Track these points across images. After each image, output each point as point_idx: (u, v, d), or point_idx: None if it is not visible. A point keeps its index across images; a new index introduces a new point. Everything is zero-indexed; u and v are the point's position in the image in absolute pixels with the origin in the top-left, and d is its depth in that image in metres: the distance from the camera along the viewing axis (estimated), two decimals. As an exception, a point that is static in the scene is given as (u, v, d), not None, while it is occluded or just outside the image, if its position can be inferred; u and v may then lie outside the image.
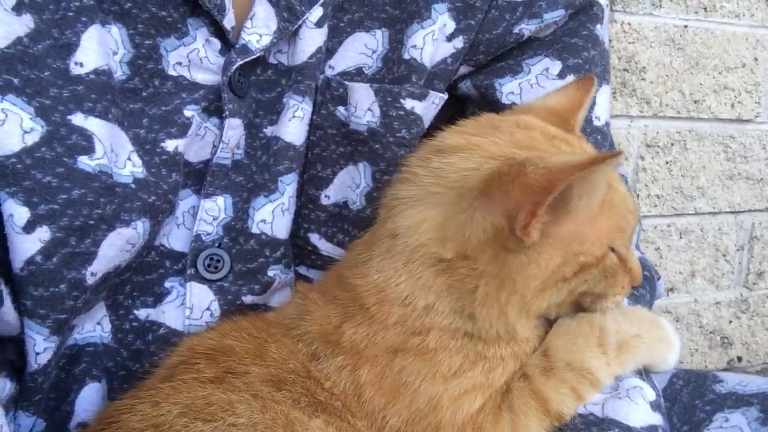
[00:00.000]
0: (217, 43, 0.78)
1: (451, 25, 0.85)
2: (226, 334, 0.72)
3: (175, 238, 0.80)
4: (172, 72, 0.76)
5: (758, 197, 1.86)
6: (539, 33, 0.90)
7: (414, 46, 0.83)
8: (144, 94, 0.75)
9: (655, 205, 1.73)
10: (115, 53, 0.72)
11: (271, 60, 0.82)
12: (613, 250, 0.69)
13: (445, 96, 0.88)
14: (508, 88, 0.90)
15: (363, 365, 0.66)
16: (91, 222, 0.66)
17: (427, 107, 0.86)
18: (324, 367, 0.67)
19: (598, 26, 0.91)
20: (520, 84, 0.90)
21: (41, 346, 0.66)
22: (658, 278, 0.97)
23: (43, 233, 0.64)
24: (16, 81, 0.64)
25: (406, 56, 0.83)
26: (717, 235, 1.84)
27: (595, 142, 0.91)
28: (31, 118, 0.64)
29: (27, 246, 0.64)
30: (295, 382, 0.65)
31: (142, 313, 0.79)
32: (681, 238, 1.79)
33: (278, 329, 0.72)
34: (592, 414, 0.69)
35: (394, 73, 0.84)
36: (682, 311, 1.86)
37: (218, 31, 0.77)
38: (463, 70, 0.91)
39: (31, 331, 0.66)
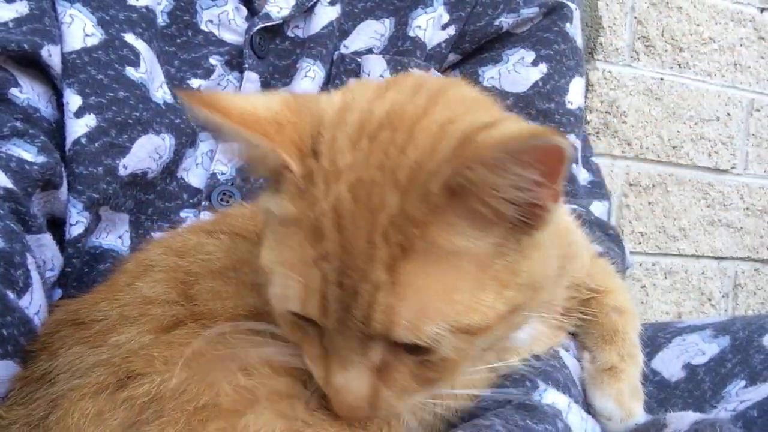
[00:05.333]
0: (244, 11, 0.93)
1: (446, 17, 1.01)
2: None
3: (194, 175, 0.91)
4: (203, 27, 0.91)
5: (739, 246, 1.96)
6: (517, 29, 1.05)
7: (418, 27, 0.98)
8: (178, 40, 0.89)
9: (639, 242, 1.83)
10: (159, 3, 0.87)
11: (289, 33, 0.97)
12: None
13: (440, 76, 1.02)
14: (489, 74, 1.04)
15: None
16: (130, 121, 0.78)
17: None
18: None
19: (568, 24, 1.06)
20: (499, 70, 1.04)
21: (74, 219, 0.76)
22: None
23: (90, 120, 0.76)
24: None
25: (411, 34, 0.98)
26: (701, 279, 1.92)
27: (567, 123, 1.04)
28: (93, 26, 0.78)
29: (76, 129, 0.76)
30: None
31: (157, 236, 0.89)
32: (666, 278, 1.88)
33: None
34: None
35: (399, 47, 0.98)
36: (670, 353, 1.90)
37: (246, 2, 0.93)
38: (452, 57, 1.05)
39: (69, 204, 0.76)
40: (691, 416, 0.63)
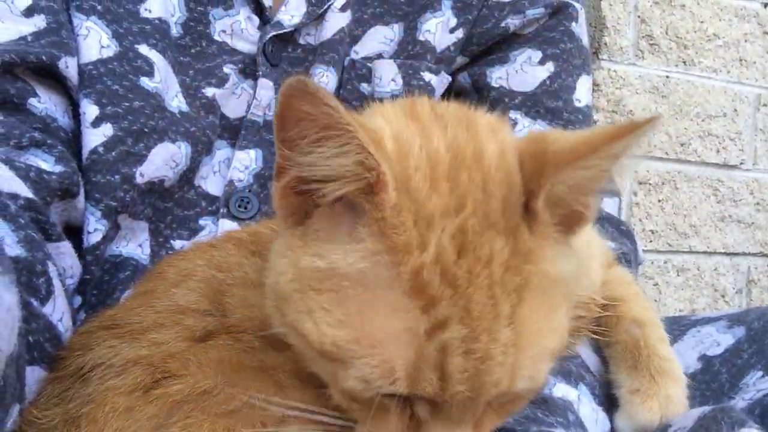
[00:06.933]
0: (256, 20, 0.95)
1: (453, 20, 1.03)
2: None
3: (211, 183, 0.93)
4: (216, 37, 0.92)
5: (750, 241, 1.96)
6: (523, 30, 1.06)
7: (428, 31, 1.00)
8: (192, 51, 0.91)
9: (651, 240, 1.83)
10: (172, 15, 0.89)
11: (301, 41, 0.99)
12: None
13: (450, 79, 1.04)
14: (497, 75, 1.05)
15: None
16: (146, 130, 0.80)
17: (438, 82, 1.01)
18: None
19: (574, 24, 1.07)
20: (507, 71, 1.05)
21: (92, 226, 0.78)
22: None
23: (107, 129, 0.78)
24: (99, 7, 0.81)
25: (421, 38, 1.00)
26: (714, 276, 1.92)
27: (576, 120, 1.05)
28: (108, 38, 0.80)
29: (93, 138, 0.78)
30: None
31: (177, 244, 0.90)
32: (678, 275, 1.87)
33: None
34: None
35: (409, 51, 1.00)
36: (685, 350, 1.90)
37: (258, 11, 0.94)
38: (460, 60, 1.06)
39: (86, 212, 0.78)
40: (695, 413, 0.62)
